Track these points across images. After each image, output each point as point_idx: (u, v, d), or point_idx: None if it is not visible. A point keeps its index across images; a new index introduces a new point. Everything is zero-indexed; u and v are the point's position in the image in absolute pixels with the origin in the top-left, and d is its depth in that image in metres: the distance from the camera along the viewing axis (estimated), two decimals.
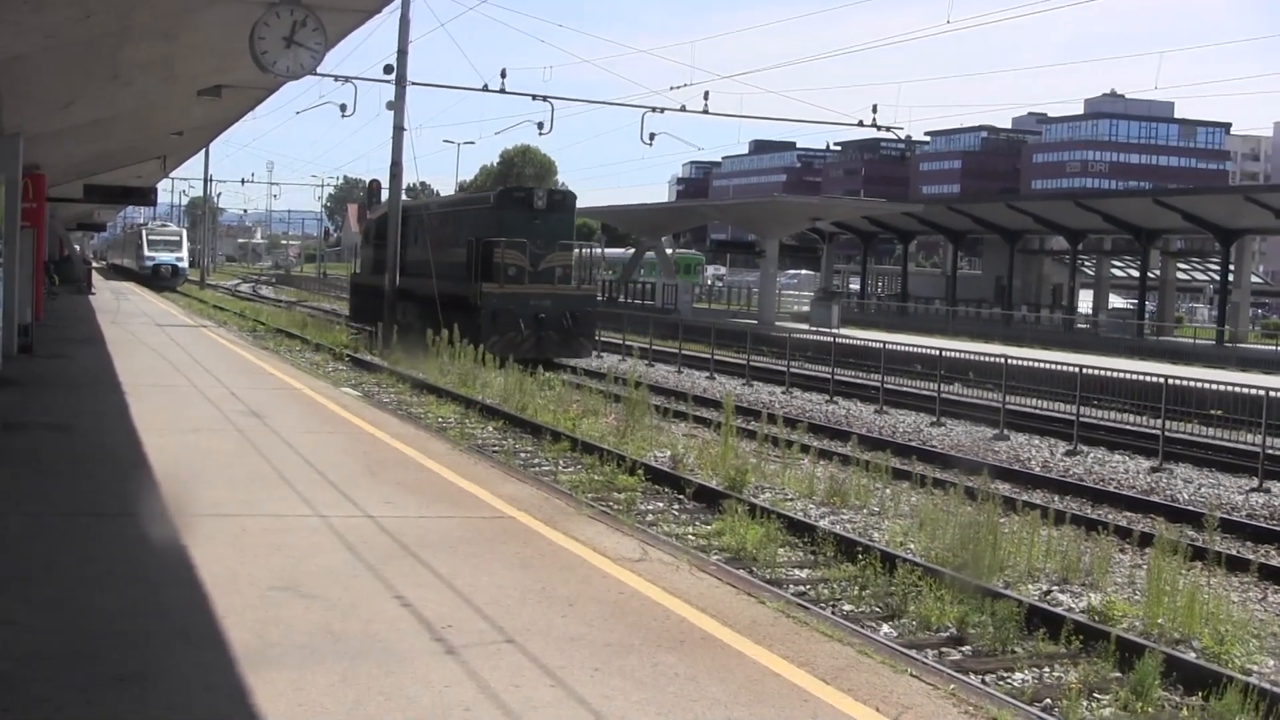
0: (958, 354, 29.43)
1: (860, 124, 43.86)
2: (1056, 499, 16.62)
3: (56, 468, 11.87)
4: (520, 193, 34.14)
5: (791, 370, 30.78)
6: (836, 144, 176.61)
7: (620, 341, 37.62)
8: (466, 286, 31.71)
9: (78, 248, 75.94)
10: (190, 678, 6.15)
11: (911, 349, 30.51)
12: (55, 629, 6.82)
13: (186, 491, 10.68)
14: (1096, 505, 16.57)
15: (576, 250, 33.18)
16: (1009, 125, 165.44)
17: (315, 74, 16.53)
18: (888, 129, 45.41)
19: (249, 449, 13.30)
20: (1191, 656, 9.57)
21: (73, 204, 42.02)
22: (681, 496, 15.10)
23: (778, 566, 12.00)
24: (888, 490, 15.72)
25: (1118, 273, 67.27)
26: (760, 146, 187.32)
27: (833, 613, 10.30)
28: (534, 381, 24.16)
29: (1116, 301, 70.63)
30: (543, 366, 28.59)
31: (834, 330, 43.21)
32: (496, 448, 18.22)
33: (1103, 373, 24.71)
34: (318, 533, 9.42)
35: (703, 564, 9.70)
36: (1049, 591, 11.67)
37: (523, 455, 17.78)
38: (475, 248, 31.79)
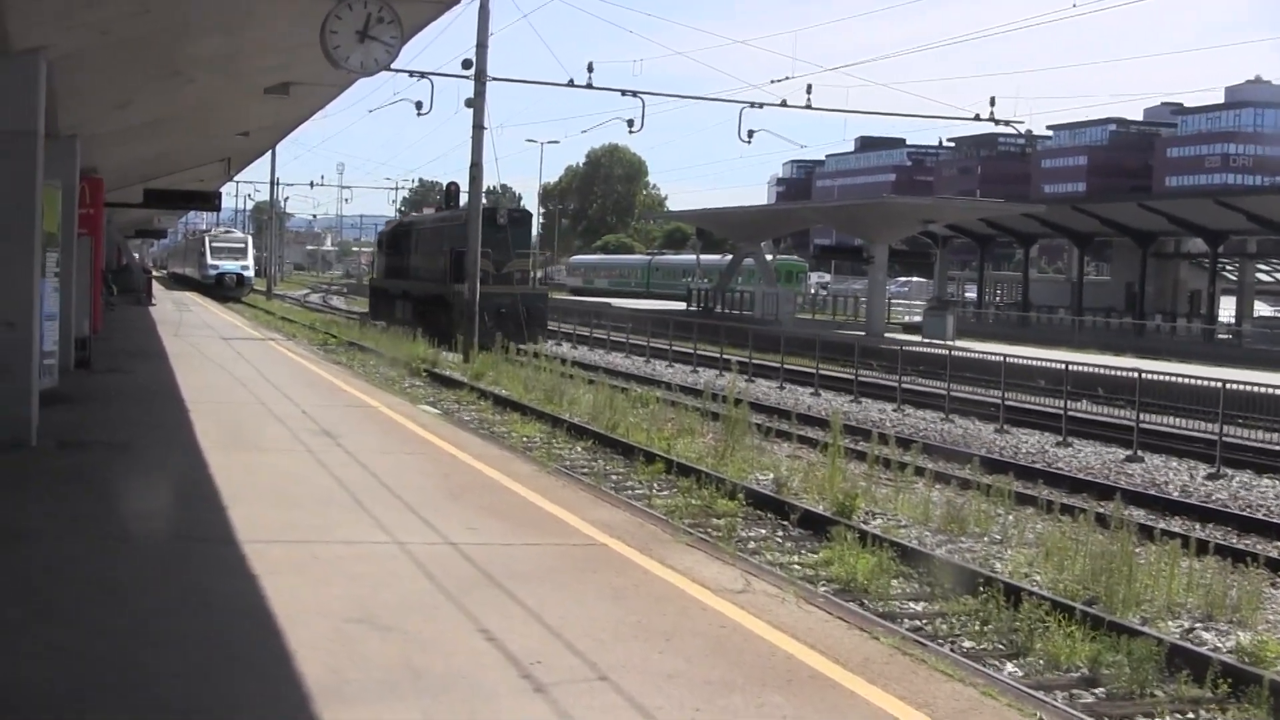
0: (1085, 368, 29.02)
1: (976, 118, 43.53)
2: (1198, 527, 16.35)
3: (115, 488, 12.06)
4: (487, 211, 42.26)
5: (903, 386, 30.59)
6: (950, 140, 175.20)
7: (717, 355, 37.59)
8: (444, 287, 41.97)
9: (136, 256, 77.21)
10: (259, 714, 6.20)
11: (1034, 362, 30.14)
12: (112, 659, 6.91)
13: (253, 515, 10.81)
14: (1243, 534, 16.28)
15: (531, 257, 44.38)
16: (1140, 117, 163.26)
17: (390, 69, 16.70)
18: (1006, 123, 45.08)
19: (320, 470, 13.43)
20: None
21: (131, 209, 42.73)
22: (786, 523, 15.05)
23: (891, 599, 11.91)
24: (1010, 516, 15.54)
25: (1264, 277, 66.04)
26: (867, 143, 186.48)
27: (952, 650, 10.20)
28: (626, 399, 24.20)
29: (1263, 309, 69.34)
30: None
31: (949, 342, 42.84)
32: (586, 469, 18.28)
33: (1248, 388, 24.23)
34: (395, 560, 9.47)
35: (810, 596, 9.65)
36: (1191, 629, 11.46)
37: (614, 478, 17.82)
38: (450, 256, 41.34)
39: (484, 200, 39.10)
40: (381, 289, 54.77)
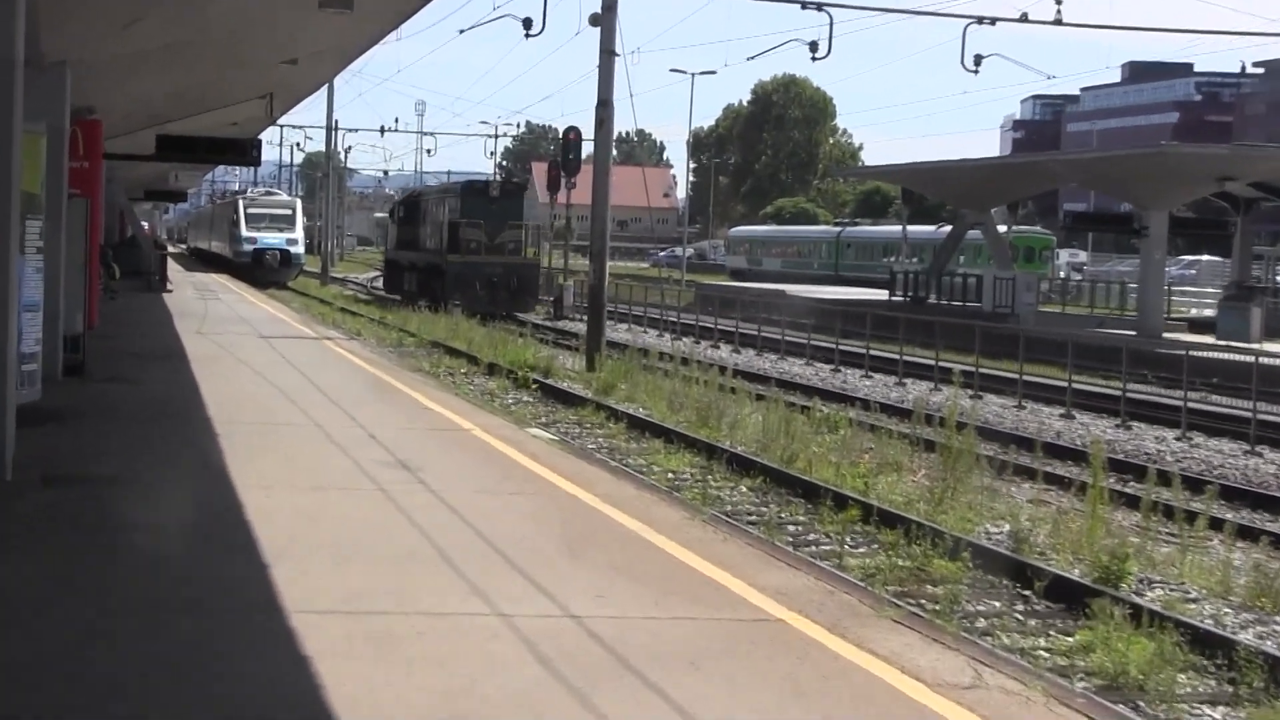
0: None
1: None
2: None
3: (119, 540, 12.21)
4: (480, 184, 60.98)
5: (1189, 405, 30.13)
6: (1256, 64, 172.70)
7: (932, 362, 37.37)
8: (440, 257, 57.01)
9: (146, 226, 78.52)
10: None
11: None
12: None
13: (306, 577, 10.92)
14: None
15: (524, 229, 57.69)
16: None
17: None
18: None
19: (396, 516, 13.53)
20: None
21: (140, 163, 43.35)
22: (1028, 593, 14.92)
23: (1178, 700, 11.73)
24: None
25: None
26: (1139, 72, 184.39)
27: None
28: (807, 421, 24.11)
29: None
30: (495, 319, 48.74)
31: (1255, 345, 42.19)
32: (753, 517, 18.29)
33: None
34: (497, 639, 9.51)
35: (1064, 694, 9.53)
36: None
37: (792, 529, 17.80)
38: (445, 227, 57.16)
39: (613, 151, 39.34)
40: (393, 261, 71.09)
